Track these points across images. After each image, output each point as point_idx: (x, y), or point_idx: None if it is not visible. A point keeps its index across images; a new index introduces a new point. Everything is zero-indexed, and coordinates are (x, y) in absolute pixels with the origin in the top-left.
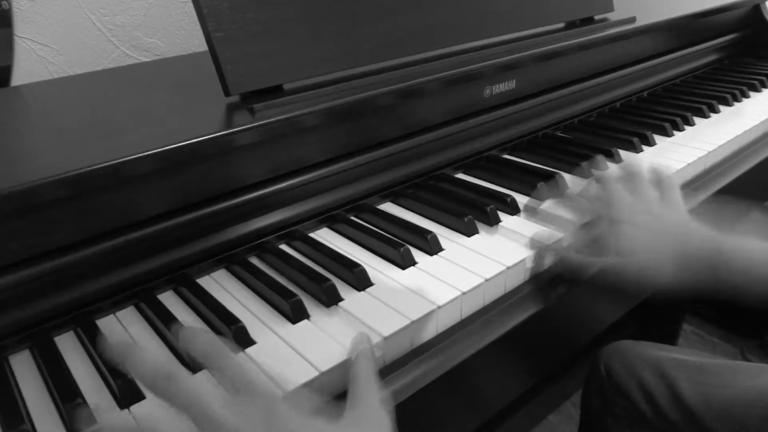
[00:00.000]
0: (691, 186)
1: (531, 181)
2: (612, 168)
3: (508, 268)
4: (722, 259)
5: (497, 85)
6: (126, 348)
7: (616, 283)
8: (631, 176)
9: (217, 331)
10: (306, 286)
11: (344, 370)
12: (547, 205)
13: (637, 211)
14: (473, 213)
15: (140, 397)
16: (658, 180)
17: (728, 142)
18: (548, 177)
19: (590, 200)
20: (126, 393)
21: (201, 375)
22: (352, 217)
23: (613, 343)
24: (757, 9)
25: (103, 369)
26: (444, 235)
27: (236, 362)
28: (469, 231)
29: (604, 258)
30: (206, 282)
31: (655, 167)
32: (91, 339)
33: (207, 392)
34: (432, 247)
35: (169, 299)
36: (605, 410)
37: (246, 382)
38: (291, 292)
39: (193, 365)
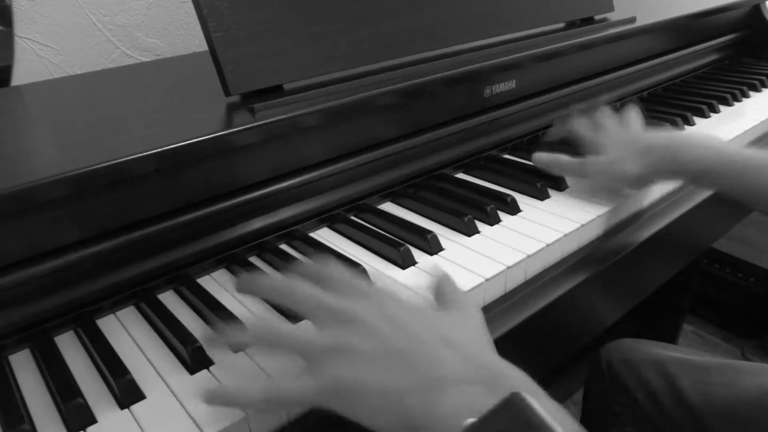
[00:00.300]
0: (690, 186)
1: (531, 181)
2: None
3: (508, 267)
4: (674, 153)
5: (497, 85)
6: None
7: (592, 174)
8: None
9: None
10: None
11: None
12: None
13: (614, 130)
14: (473, 213)
15: (140, 396)
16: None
17: (729, 141)
18: (548, 177)
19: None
20: (126, 393)
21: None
22: (353, 217)
23: (616, 341)
24: (757, 9)
25: (103, 369)
26: (444, 234)
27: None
28: (470, 231)
29: (585, 157)
30: (207, 282)
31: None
32: (91, 339)
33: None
34: (432, 246)
35: (169, 299)
36: (606, 407)
37: (351, 285)
38: None
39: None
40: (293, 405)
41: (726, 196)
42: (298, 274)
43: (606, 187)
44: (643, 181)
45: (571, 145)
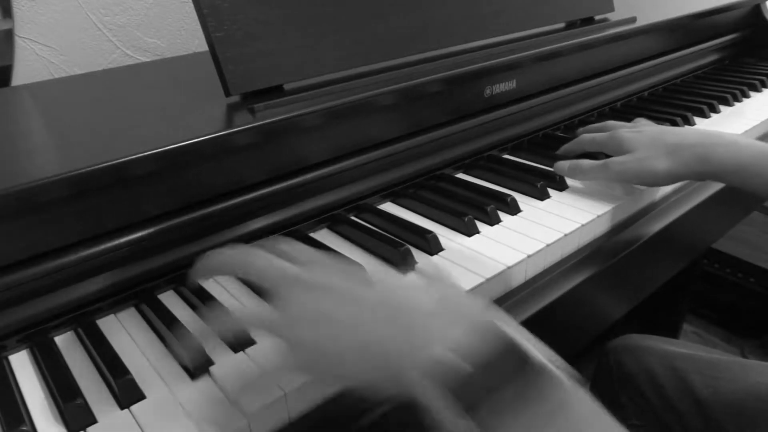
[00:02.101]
0: (692, 185)
1: (531, 181)
2: None
3: (508, 267)
4: (708, 150)
5: (497, 85)
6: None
7: (618, 174)
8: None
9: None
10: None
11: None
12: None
13: (634, 127)
14: (473, 213)
15: (140, 396)
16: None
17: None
18: (548, 177)
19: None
20: (126, 393)
21: None
22: (353, 217)
23: (623, 336)
24: (757, 9)
25: (103, 369)
26: (444, 234)
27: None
28: (470, 231)
29: (610, 159)
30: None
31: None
32: (91, 339)
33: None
34: (432, 246)
35: (169, 299)
36: (613, 400)
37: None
38: None
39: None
40: (277, 376)
41: (760, 194)
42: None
43: (631, 185)
44: (673, 178)
45: (588, 155)
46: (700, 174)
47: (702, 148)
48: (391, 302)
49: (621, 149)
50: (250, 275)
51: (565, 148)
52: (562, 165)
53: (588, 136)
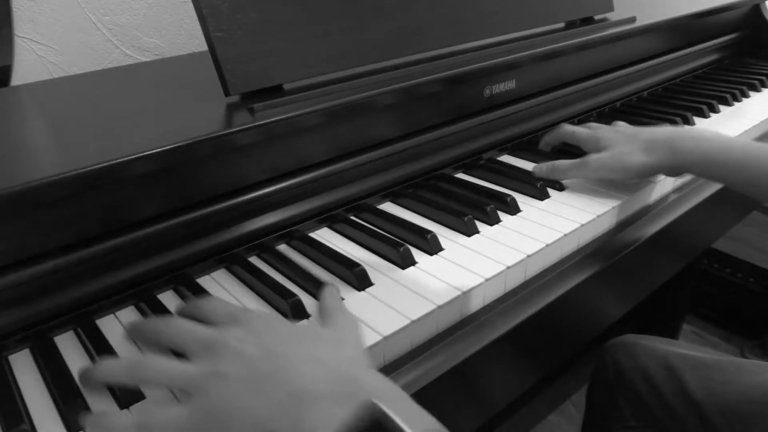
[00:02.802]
0: (691, 185)
1: (531, 181)
2: None
3: (508, 267)
4: (677, 144)
5: (497, 85)
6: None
7: (596, 170)
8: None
9: None
10: (306, 286)
11: None
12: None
13: (612, 128)
14: (473, 213)
15: (140, 397)
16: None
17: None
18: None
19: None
20: (126, 392)
21: None
22: (352, 217)
23: (621, 336)
24: (757, 9)
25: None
26: (444, 234)
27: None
28: (469, 231)
29: (586, 156)
30: (206, 282)
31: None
32: (91, 339)
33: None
34: (432, 246)
35: (169, 299)
36: (610, 401)
37: (225, 313)
38: (290, 291)
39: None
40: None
41: (731, 186)
42: (178, 313)
43: (610, 181)
44: (648, 171)
45: (566, 153)
46: (672, 167)
47: (671, 142)
48: (285, 382)
49: (598, 146)
50: (163, 342)
51: (545, 139)
52: (540, 168)
53: (569, 127)
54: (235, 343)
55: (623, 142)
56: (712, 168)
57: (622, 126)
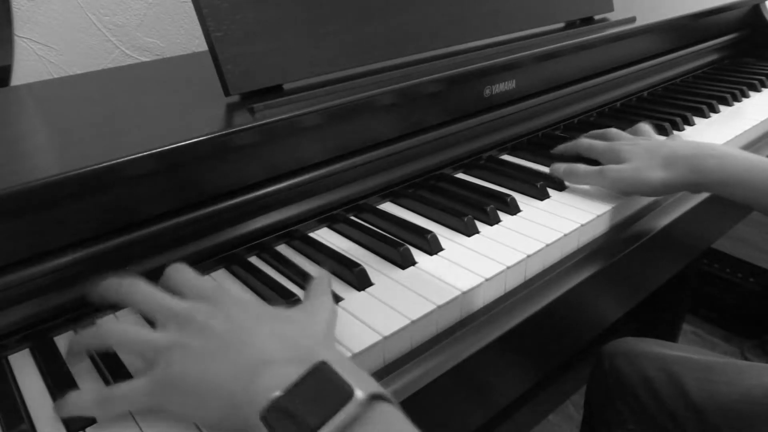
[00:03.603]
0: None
1: (531, 181)
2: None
3: (508, 267)
4: (700, 162)
5: (497, 85)
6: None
7: (613, 182)
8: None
9: None
10: (305, 286)
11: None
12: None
13: (632, 139)
14: (473, 213)
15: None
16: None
17: (728, 142)
18: (548, 177)
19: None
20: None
21: None
22: (352, 217)
23: (618, 339)
24: (757, 9)
25: (103, 369)
26: (444, 234)
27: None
28: (469, 231)
29: (605, 166)
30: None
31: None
32: None
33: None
34: (432, 246)
35: None
36: (608, 405)
37: (195, 287)
38: (290, 292)
39: None
40: (127, 406)
41: (756, 209)
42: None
43: (625, 194)
44: (667, 188)
45: (584, 159)
46: (693, 185)
47: (695, 159)
48: (241, 351)
49: (617, 159)
50: (131, 306)
51: (561, 148)
52: (558, 167)
53: (586, 142)
54: (201, 318)
55: (643, 156)
56: (737, 190)
57: (642, 138)
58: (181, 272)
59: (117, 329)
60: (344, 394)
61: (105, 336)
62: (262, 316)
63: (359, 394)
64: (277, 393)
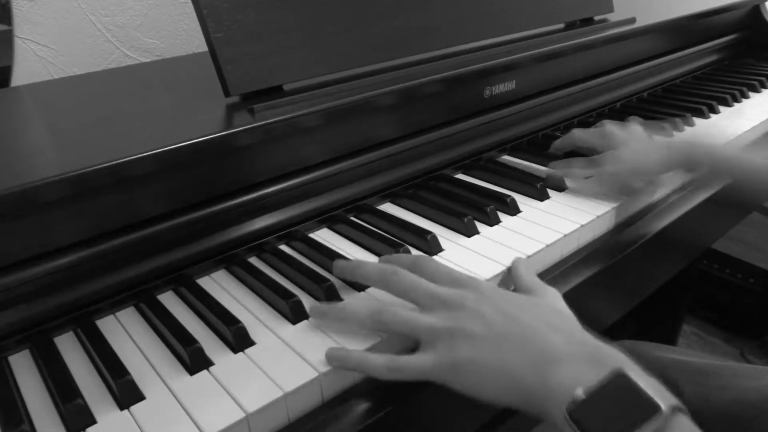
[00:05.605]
0: (689, 187)
1: (531, 182)
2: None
3: (507, 268)
4: (689, 149)
5: (497, 86)
6: (353, 266)
7: (612, 163)
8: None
9: (217, 332)
10: (306, 287)
11: (344, 372)
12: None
13: (624, 128)
14: (473, 213)
15: (140, 397)
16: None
17: (728, 142)
18: (548, 178)
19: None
20: (125, 393)
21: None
22: (352, 218)
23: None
24: (757, 9)
25: (103, 369)
26: (444, 235)
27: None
28: (469, 231)
29: (602, 154)
30: (206, 282)
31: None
32: (90, 340)
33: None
34: (432, 247)
35: (169, 300)
36: None
37: (450, 276)
38: (291, 292)
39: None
40: (412, 377)
41: (737, 189)
42: (393, 262)
43: (623, 181)
44: (663, 166)
45: (579, 153)
46: (686, 166)
47: (686, 145)
48: (525, 343)
49: (612, 145)
50: (392, 290)
51: (557, 143)
52: (556, 164)
53: (579, 132)
54: (471, 304)
55: (637, 139)
56: (719, 176)
57: (634, 126)
58: (433, 262)
59: (390, 310)
60: (650, 407)
61: (381, 316)
62: (525, 306)
63: (664, 407)
64: (580, 392)
